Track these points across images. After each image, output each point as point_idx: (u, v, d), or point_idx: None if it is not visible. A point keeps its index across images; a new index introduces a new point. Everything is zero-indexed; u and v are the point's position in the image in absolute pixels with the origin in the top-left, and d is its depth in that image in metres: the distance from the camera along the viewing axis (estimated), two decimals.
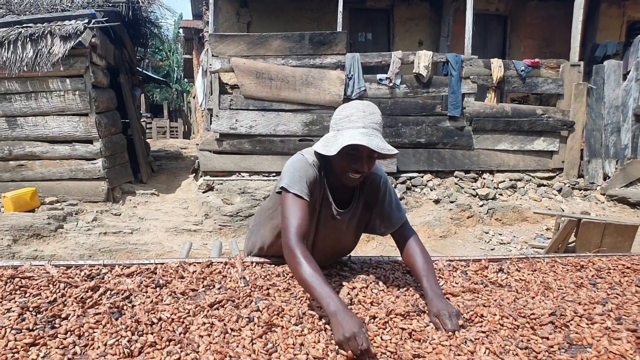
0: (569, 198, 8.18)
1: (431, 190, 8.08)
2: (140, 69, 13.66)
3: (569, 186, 8.37)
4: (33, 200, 6.90)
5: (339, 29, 8.28)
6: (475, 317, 1.70)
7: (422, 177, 8.29)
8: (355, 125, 1.78)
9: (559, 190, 8.30)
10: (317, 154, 1.96)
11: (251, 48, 7.80)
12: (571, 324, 1.68)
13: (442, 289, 1.95)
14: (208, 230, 6.60)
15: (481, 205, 7.72)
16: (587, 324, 1.68)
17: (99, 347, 1.43)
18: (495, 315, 1.70)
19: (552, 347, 1.51)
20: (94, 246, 5.86)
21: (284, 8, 9.91)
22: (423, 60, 7.93)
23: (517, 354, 1.44)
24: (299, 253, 1.69)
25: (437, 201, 7.76)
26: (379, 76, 8.04)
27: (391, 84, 8.02)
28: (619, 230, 4.79)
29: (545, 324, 1.67)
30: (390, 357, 1.39)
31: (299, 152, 2.01)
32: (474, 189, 8.12)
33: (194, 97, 20.17)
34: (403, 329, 1.58)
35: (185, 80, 25.22)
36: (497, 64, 8.13)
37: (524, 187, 8.34)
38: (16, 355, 1.33)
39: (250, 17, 10.00)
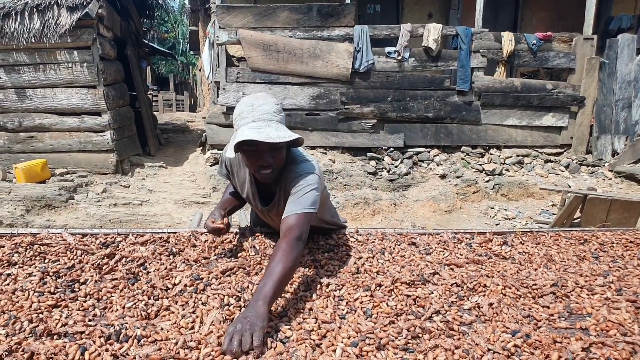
0: (576, 174, 8.17)
1: (438, 165, 8.09)
2: (146, 41, 13.58)
3: (576, 162, 8.35)
4: (44, 171, 6.99)
5: (348, 0, 8.17)
6: (479, 287, 1.75)
7: (429, 152, 8.29)
8: (246, 122, 1.72)
9: (566, 167, 8.28)
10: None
11: (258, 20, 7.73)
12: (572, 295, 1.73)
13: (447, 260, 2.00)
14: (216, 203, 6.67)
15: (487, 181, 7.73)
16: (587, 295, 1.73)
17: (117, 309, 1.50)
18: (498, 285, 1.75)
19: (552, 315, 1.56)
20: (104, 217, 5.95)
21: None
22: (432, 33, 7.83)
23: (518, 322, 1.50)
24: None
25: (443, 176, 7.78)
26: (387, 49, 7.97)
27: (400, 57, 7.95)
28: (625, 206, 4.81)
29: (547, 294, 1.72)
30: (396, 323, 1.45)
31: None
32: (480, 165, 8.12)
33: (200, 70, 20.05)
34: (408, 295, 1.63)
35: (191, 52, 24.98)
36: (507, 38, 8.02)
37: (531, 163, 8.33)
38: (40, 316, 1.40)
39: None
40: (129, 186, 7.26)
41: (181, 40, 30.35)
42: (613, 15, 9.99)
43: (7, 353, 1.19)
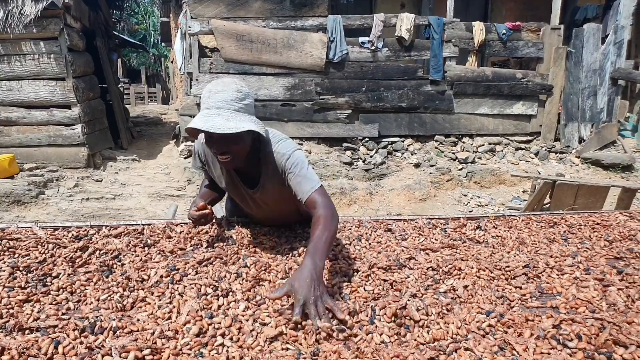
0: (546, 161, 8.36)
1: (412, 154, 8.17)
2: (117, 33, 13.27)
3: (545, 150, 8.54)
4: (11, 166, 6.79)
5: None
6: (454, 270, 1.79)
7: (403, 141, 8.36)
8: (202, 108, 1.72)
9: (536, 154, 8.47)
10: None
11: (231, 10, 7.64)
12: (542, 275, 1.78)
13: (422, 245, 2.03)
14: (191, 196, 6.60)
15: (460, 169, 7.85)
16: (557, 275, 1.78)
17: (91, 302, 1.47)
18: (473, 268, 1.79)
19: (524, 295, 1.61)
20: (76, 212, 5.83)
21: None
22: (405, 23, 7.87)
23: (492, 302, 1.53)
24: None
25: (417, 165, 7.86)
26: (361, 39, 7.98)
27: (373, 47, 7.97)
28: (591, 191, 4.96)
29: (519, 275, 1.77)
30: (375, 305, 1.47)
31: None
32: (453, 153, 8.23)
33: (172, 62, 19.73)
34: (385, 280, 1.65)
35: (163, 44, 24.55)
36: (478, 27, 8.11)
37: (502, 151, 8.48)
38: (11, 311, 1.37)
39: None
40: (101, 180, 7.12)
41: (152, 32, 29.76)
42: (579, 5, 10.22)
43: None
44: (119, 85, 11.18)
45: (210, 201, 2.17)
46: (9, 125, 7.36)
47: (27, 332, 1.27)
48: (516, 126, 8.73)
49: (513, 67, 8.97)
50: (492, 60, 9.59)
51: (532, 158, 8.38)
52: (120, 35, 15.22)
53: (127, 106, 11.78)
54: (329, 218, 1.65)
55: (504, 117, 8.64)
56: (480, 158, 8.20)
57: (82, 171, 7.33)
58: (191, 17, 7.55)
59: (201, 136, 1.80)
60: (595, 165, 8.14)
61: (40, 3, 6.73)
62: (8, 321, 1.30)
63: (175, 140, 9.06)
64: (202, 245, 1.98)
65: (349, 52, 7.93)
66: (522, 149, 8.61)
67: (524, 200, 6.59)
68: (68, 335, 1.24)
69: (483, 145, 8.46)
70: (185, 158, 7.74)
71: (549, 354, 1.23)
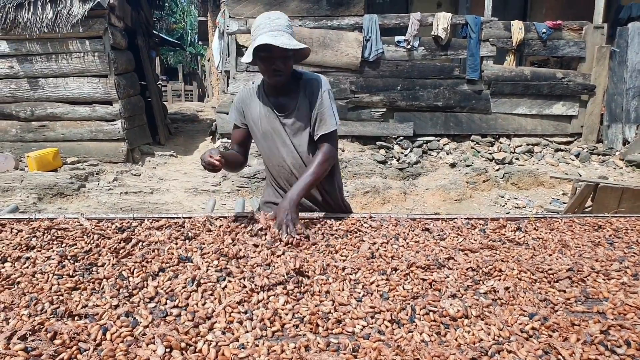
0: (587, 163, 8.11)
1: (447, 154, 8.06)
2: (156, 32, 13.59)
3: (587, 151, 8.28)
4: (55, 160, 7.05)
5: None
6: (494, 272, 1.75)
7: (438, 140, 8.26)
8: (264, 31, 2.02)
9: (577, 155, 8.22)
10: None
11: (268, 9, 7.68)
12: (588, 279, 1.73)
13: (461, 245, 2.00)
14: (226, 191, 6.70)
15: (497, 170, 7.70)
16: (603, 279, 1.73)
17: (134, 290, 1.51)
18: (514, 269, 1.75)
19: (569, 299, 1.56)
20: (115, 205, 6.00)
21: None
22: (442, 22, 7.77)
23: (535, 305, 1.50)
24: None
25: (453, 165, 7.75)
26: (396, 38, 7.92)
27: (409, 46, 7.90)
28: (636, 195, 4.77)
29: (563, 278, 1.72)
30: (415, 304, 1.46)
31: None
32: (490, 153, 8.08)
33: (208, 60, 20.04)
34: (424, 279, 1.64)
35: (200, 43, 24.98)
36: (517, 26, 7.94)
37: (541, 152, 8.28)
38: (61, 298, 1.42)
39: None
40: (139, 175, 7.31)
41: (189, 31, 30.35)
42: (623, 4, 9.86)
43: (30, 332, 1.21)
44: (157, 83, 11.45)
45: (228, 163, 2.25)
46: (54, 120, 7.65)
47: (76, 318, 1.32)
48: (556, 127, 8.50)
49: (553, 67, 8.74)
50: (530, 59, 9.36)
51: (573, 160, 8.14)
52: (159, 34, 15.58)
53: (164, 103, 12.04)
54: (320, 163, 2.19)
55: (543, 118, 8.43)
56: (517, 159, 8.03)
57: (121, 165, 7.55)
58: (229, 17, 7.66)
59: (240, 91, 2.39)
60: None
61: (87, 3, 6.97)
62: (58, 307, 1.35)
63: (212, 136, 9.20)
64: (239, 239, 2.00)
65: (385, 51, 7.89)
66: (561, 150, 8.38)
67: (564, 203, 6.40)
68: (114, 323, 1.28)
69: (521, 145, 8.27)
70: None
71: None
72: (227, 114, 7.94)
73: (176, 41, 20.60)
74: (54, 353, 1.14)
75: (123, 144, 7.71)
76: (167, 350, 1.17)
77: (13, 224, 2.03)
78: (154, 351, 1.16)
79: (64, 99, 7.57)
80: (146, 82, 9.43)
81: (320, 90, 2.23)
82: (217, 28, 8.92)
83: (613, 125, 8.45)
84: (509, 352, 1.22)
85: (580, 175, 7.15)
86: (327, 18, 7.78)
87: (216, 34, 9.14)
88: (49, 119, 7.64)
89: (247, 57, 2.08)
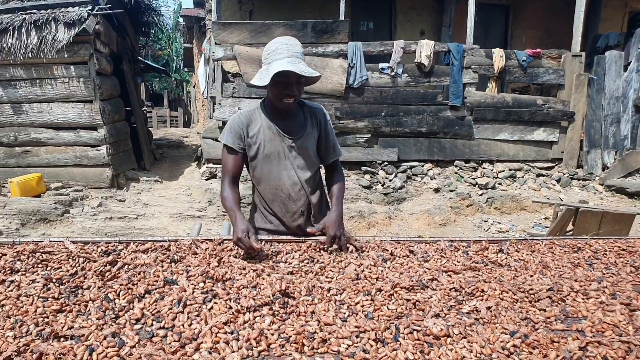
0: (568, 188, 8.27)
1: (431, 179, 8.16)
2: (141, 58, 13.67)
3: (567, 176, 8.45)
4: (39, 185, 6.98)
5: (341, 17, 8.31)
6: (477, 292, 1.79)
7: (422, 166, 8.37)
8: (282, 57, 2.09)
9: (558, 180, 8.39)
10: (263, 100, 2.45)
11: (254, 36, 7.84)
12: (567, 299, 1.77)
13: (445, 267, 2.04)
14: (212, 217, 6.68)
15: (481, 195, 7.81)
16: (582, 299, 1.77)
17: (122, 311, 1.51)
18: (496, 290, 1.79)
19: (549, 318, 1.60)
20: (100, 230, 5.94)
21: None
22: (425, 49, 7.97)
23: (516, 324, 1.53)
24: (225, 191, 2.30)
25: (437, 190, 7.85)
26: (380, 65, 8.09)
27: (393, 73, 8.07)
28: (616, 218, 4.88)
29: (543, 298, 1.76)
30: (399, 324, 1.48)
31: None
32: (473, 179, 8.20)
33: (194, 87, 20.16)
34: (408, 299, 1.66)
35: (185, 69, 25.15)
36: (498, 54, 8.17)
37: (523, 177, 8.42)
38: (46, 320, 1.42)
39: (252, 6, 10.00)
40: (124, 200, 7.26)
41: (175, 58, 30.53)
42: (600, 33, 10.22)
43: (16, 353, 1.20)
44: (143, 109, 11.46)
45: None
46: (38, 146, 7.60)
47: (62, 339, 1.31)
48: (537, 152, 8.68)
49: (533, 94, 8.97)
50: (512, 86, 9.61)
51: (554, 185, 8.30)
52: (145, 60, 15.66)
53: (149, 129, 12.04)
54: (343, 181, 2.48)
55: (524, 143, 8.61)
56: (500, 184, 8.16)
57: (106, 191, 7.50)
58: (215, 43, 7.76)
59: (236, 115, 2.38)
60: (620, 193, 8.02)
61: (72, 29, 7.02)
62: (44, 329, 1.35)
63: (197, 162, 9.20)
64: (225, 262, 2.01)
65: (369, 78, 8.04)
66: (543, 175, 8.54)
67: (546, 227, 6.50)
68: (101, 344, 1.28)
69: (503, 171, 8.41)
70: (206, 179, 7.85)
71: None
72: (214, 139, 8.00)
73: (162, 67, 20.70)
74: None
75: (108, 170, 7.67)
76: None
77: None
78: None
79: (48, 124, 7.54)
80: (131, 107, 9.45)
81: (326, 120, 2.42)
82: (203, 54, 9.02)
83: (592, 150, 8.65)
84: None
85: (562, 200, 7.28)
86: (312, 45, 7.93)
87: (202, 60, 9.24)
88: (33, 144, 7.59)
89: (262, 80, 2.15)
